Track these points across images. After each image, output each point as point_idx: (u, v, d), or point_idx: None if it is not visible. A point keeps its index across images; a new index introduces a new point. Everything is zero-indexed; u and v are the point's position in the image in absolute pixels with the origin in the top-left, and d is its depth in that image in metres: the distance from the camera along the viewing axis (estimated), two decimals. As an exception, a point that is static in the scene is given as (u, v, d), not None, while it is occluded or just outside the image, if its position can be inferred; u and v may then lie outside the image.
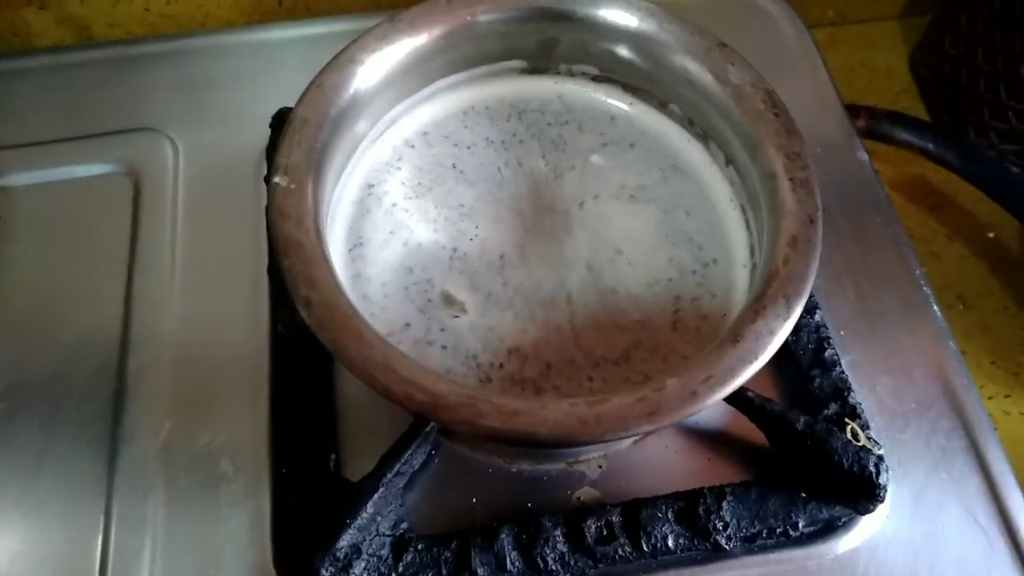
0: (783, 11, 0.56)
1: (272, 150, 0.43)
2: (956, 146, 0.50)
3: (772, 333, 0.28)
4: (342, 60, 0.33)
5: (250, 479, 0.36)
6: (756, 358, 0.28)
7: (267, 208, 0.30)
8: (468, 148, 0.38)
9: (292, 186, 0.30)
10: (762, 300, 0.29)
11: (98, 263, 0.42)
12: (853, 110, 0.53)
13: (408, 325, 0.33)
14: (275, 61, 0.50)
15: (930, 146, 0.51)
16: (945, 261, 0.57)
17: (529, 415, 0.26)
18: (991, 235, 0.58)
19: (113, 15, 0.54)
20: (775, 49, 0.54)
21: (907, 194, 0.59)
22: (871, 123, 0.52)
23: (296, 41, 0.51)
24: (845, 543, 0.36)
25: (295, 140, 0.31)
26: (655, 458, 0.38)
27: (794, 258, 0.30)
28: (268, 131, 0.44)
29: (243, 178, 0.44)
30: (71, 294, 0.41)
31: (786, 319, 0.28)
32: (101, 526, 0.36)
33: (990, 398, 0.52)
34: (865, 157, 0.48)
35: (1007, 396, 0.52)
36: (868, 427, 0.37)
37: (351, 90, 0.33)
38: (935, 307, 0.42)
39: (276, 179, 0.30)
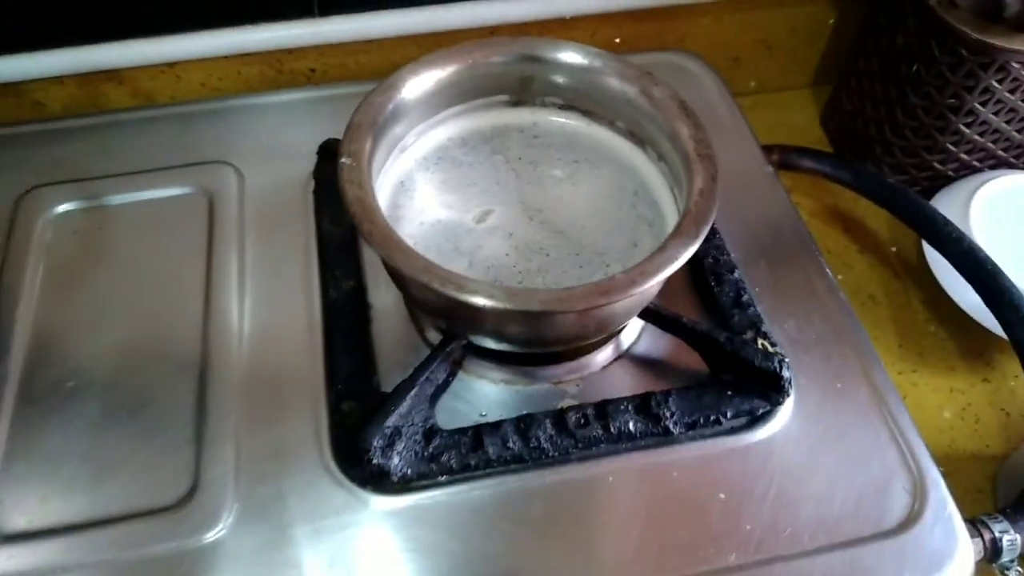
0: (711, 78, 0.74)
1: (319, 172, 0.60)
2: (847, 167, 0.68)
3: (686, 246, 0.44)
4: (385, 85, 0.50)
5: (310, 398, 0.51)
6: (675, 260, 0.43)
7: (337, 178, 0.46)
8: (469, 161, 0.55)
9: (354, 164, 0.46)
10: (679, 228, 0.45)
11: (182, 260, 0.57)
12: (768, 149, 0.70)
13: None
14: (309, 113, 0.67)
15: (828, 169, 0.69)
16: (857, 270, 0.73)
17: (526, 296, 0.42)
18: (894, 249, 0.75)
19: (175, 89, 0.72)
20: (704, 107, 0.70)
21: (824, 219, 0.77)
22: (782, 157, 0.70)
23: (323, 99, 0.69)
24: (763, 432, 0.50)
25: (354, 136, 0.47)
26: (618, 379, 0.53)
27: (701, 202, 0.46)
28: (312, 160, 0.61)
29: (294, 194, 0.61)
30: (162, 282, 0.56)
31: (696, 238, 0.44)
32: (192, 441, 0.49)
33: (900, 373, 0.67)
34: (771, 172, 0.66)
35: (914, 371, 0.67)
36: (776, 345, 0.52)
37: (391, 106, 0.49)
38: (828, 271, 0.58)
39: (343, 160, 0.46)
